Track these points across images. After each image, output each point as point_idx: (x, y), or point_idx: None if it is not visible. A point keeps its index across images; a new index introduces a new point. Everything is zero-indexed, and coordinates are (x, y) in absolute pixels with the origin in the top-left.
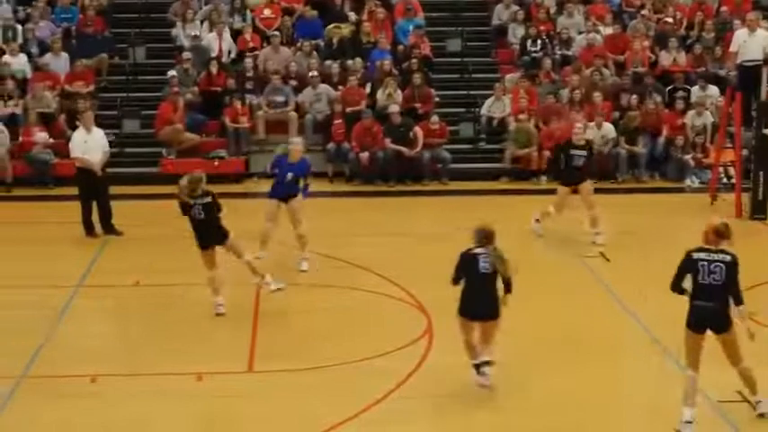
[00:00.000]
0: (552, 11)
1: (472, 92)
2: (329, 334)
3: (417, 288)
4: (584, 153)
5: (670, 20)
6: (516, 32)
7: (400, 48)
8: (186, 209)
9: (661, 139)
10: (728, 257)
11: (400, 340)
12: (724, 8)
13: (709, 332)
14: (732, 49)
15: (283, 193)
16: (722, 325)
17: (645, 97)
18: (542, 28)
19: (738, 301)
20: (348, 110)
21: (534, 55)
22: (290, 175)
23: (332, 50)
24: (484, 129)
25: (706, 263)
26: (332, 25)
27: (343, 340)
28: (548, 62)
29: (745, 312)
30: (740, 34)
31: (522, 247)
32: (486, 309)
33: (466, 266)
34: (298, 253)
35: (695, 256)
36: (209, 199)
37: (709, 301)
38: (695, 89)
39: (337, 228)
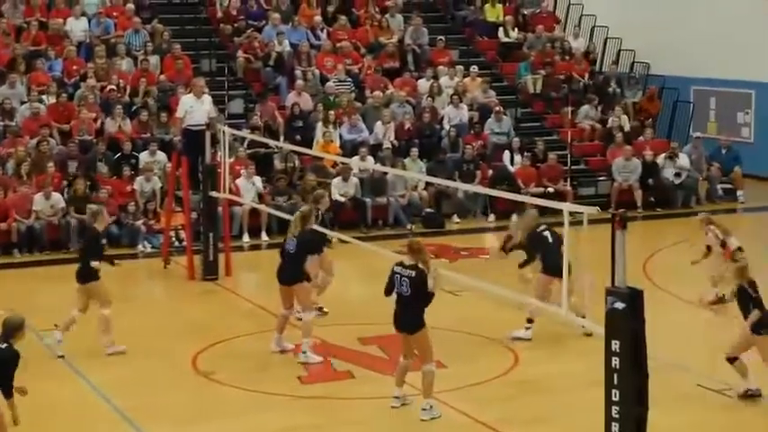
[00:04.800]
0: None
1: None
2: None
3: None
4: None
5: (114, 87)
6: None
7: None
8: None
9: None
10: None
11: None
12: (163, 75)
13: None
14: (178, 114)
15: None
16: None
17: (95, 165)
18: None
19: None
20: None
21: None
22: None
23: None
24: None
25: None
26: None
27: None
28: None
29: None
30: (186, 100)
31: None
32: None
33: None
34: None
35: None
36: None
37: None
38: (143, 155)
39: None
